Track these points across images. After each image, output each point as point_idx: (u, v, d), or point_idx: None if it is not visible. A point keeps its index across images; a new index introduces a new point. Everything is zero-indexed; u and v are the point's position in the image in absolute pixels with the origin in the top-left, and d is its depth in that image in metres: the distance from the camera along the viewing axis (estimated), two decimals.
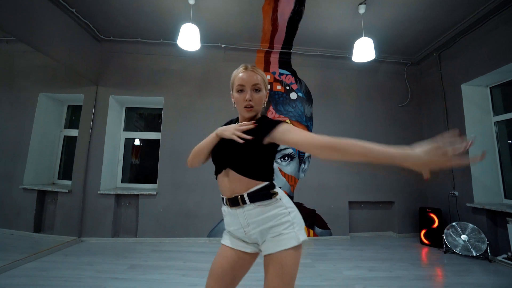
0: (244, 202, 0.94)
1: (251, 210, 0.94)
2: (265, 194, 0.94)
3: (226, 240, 1.03)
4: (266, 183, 0.97)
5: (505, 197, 3.02)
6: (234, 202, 0.96)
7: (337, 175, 3.69)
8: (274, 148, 0.99)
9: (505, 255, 2.68)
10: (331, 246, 3.23)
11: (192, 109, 3.61)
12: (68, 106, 4.00)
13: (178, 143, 3.52)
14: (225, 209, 1.02)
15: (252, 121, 1.00)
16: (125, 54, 3.59)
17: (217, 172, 1.05)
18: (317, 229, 3.56)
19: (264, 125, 0.96)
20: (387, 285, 2.12)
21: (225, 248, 1.00)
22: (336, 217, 3.62)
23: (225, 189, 1.00)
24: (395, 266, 2.57)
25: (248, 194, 0.94)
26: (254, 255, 1.01)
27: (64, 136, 3.92)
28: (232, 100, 1.06)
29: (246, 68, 1.01)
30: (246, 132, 0.95)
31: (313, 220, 3.57)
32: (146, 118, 4.24)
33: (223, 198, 1.02)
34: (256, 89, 0.99)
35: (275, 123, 0.93)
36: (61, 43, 2.99)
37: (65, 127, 3.94)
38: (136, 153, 4.14)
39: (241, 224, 0.97)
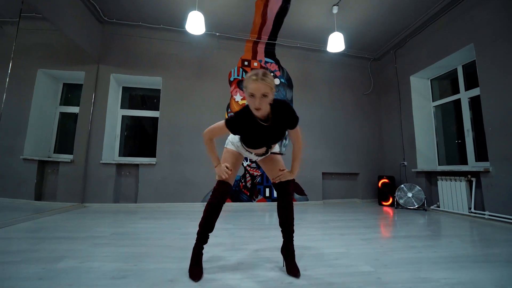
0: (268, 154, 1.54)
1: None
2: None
3: (231, 147, 1.52)
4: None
5: (439, 164, 3.90)
6: (263, 155, 1.54)
7: (313, 150, 4.36)
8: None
9: (435, 205, 3.53)
10: (308, 208, 3.88)
11: (189, 90, 4.02)
12: (64, 84, 4.18)
13: (175, 120, 3.92)
14: (248, 153, 1.52)
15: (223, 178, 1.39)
16: (126, 36, 3.90)
17: (254, 146, 1.45)
18: (296, 195, 4.20)
19: (290, 119, 1.30)
20: (352, 222, 2.80)
21: (229, 150, 1.51)
22: (311, 186, 4.29)
23: (259, 152, 1.49)
24: (357, 215, 3.27)
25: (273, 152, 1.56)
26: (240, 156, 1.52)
27: (60, 112, 4.10)
28: (246, 100, 1.25)
29: (256, 79, 1.15)
30: (275, 123, 1.30)
31: (292, 187, 4.19)
32: (140, 99, 4.55)
33: (251, 152, 1.50)
34: (264, 95, 1.16)
35: (296, 121, 1.32)
36: (70, 20, 3.24)
37: (60, 104, 4.12)
38: (132, 133, 4.45)
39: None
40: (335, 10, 3.36)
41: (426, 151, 3.92)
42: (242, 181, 4.02)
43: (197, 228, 1.44)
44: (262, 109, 1.19)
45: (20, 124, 3.53)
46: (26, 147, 3.54)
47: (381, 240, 2.09)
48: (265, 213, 3.35)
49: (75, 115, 3.95)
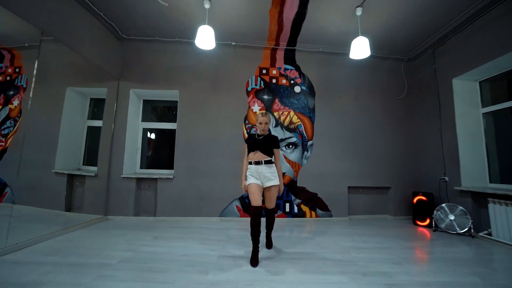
0: (261, 163, 2.36)
1: (263, 166, 2.37)
2: (270, 161, 2.39)
3: (252, 181, 2.32)
4: (271, 158, 2.42)
5: (490, 182, 3.31)
6: (258, 163, 2.36)
7: (337, 162, 4.02)
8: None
9: (485, 232, 2.99)
10: (331, 225, 3.57)
11: (205, 102, 3.96)
12: (91, 99, 4.40)
13: (192, 133, 3.88)
14: (252, 166, 2.38)
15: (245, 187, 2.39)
16: (144, 51, 3.95)
17: (251, 151, 2.43)
18: (319, 211, 3.91)
19: (275, 141, 2.44)
20: (377, 253, 2.46)
21: (253, 184, 2.30)
22: (336, 201, 3.96)
23: (254, 158, 2.38)
24: (387, 240, 2.90)
25: (265, 161, 2.37)
26: (261, 186, 2.35)
27: (88, 126, 4.32)
28: (256, 125, 2.50)
29: (263, 114, 2.40)
30: (266, 138, 2.42)
31: (314, 202, 3.92)
32: (161, 110, 4.62)
33: (251, 162, 2.40)
34: (266, 123, 2.40)
35: (278, 145, 2.46)
36: (89, 42, 3.36)
37: (88, 118, 4.34)
38: (153, 146, 4.53)
39: (257, 171, 2.36)
40: (359, 12, 2.99)
41: (472, 167, 3.36)
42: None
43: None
44: (265, 130, 2.41)
45: (51, 138, 3.77)
46: (57, 160, 3.77)
47: None
48: (283, 232, 3.12)
49: (101, 128, 4.13)
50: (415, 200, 3.75)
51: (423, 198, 3.66)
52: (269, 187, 2.34)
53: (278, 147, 2.44)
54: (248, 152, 2.43)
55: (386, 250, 2.55)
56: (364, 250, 2.53)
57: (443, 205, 3.36)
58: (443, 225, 3.24)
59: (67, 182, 3.84)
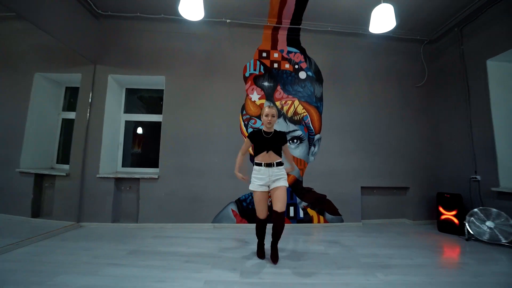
0: (273, 165, 2.11)
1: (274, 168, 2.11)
2: (281, 163, 2.14)
3: (257, 188, 2.10)
4: (281, 159, 2.17)
5: None
6: (270, 165, 2.10)
7: (348, 159, 3.48)
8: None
9: None
10: (343, 233, 3.04)
11: (196, 89, 3.40)
12: (66, 88, 3.84)
13: (180, 125, 3.33)
14: (262, 168, 2.10)
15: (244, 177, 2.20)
16: (124, 31, 3.39)
17: (261, 151, 2.13)
18: (328, 215, 3.37)
19: (284, 138, 2.20)
20: (411, 274, 1.92)
21: (258, 192, 2.09)
22: (347, 203, 3.43)
23: (265, 159, 2.11)
24: (415, 253, 2.37)
25: (276, 163, 2.12)
26: (267, 193, 2.12)
27: (63, 119, 3.76)
28: (261, 118, 2.17)
29: (269, 107, 2.12)
30: (275, 135, 2.16)
31: (323, 205, 3.38)
32: (147, 102, 4.05)
33: (261, 163, 2.11)
34: (273, 115, 2.10)
35: (286, 140, 2.23)
36: (60, 20, 2.81)
37: (63, 110, 3.78)
38: (139, 141, 3.96)
39: (269, 174, 2.09)
40: None
41: None
42: None
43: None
44: (271, 124, 2.14)
45: (16, 132, 3.21)
46: (23, 158, 3.22)
47: None
48: (287, 244, 2.57)
49: None
50: (439, 202, 3.22)
51: (450, 200, 3.12)
52: (277, 187, 2.06)
53: (286, 142, 2.23)
54: (256, 153, 2.15)
55: (421, 269, 2.01)
56: (393, 270, 1.98)
57: (476, 209, 2.83)
58: (483, 237, 2.70)
59: (34, 183, 3.28)
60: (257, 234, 2.22)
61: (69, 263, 2.00)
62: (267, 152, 2.10)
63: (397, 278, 1.84)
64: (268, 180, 2.08)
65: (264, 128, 2.18)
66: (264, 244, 2.23)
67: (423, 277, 1.85)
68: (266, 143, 2.11)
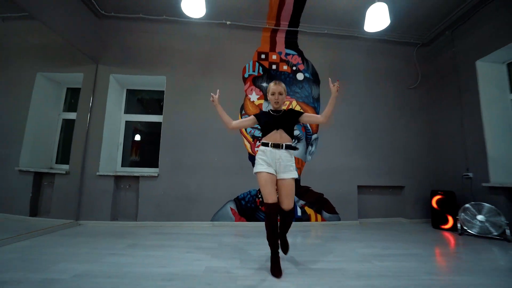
0: (282, 147, 1.80)
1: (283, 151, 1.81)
2: (291, 147, 1.84)
3: (263, 169, 1.77)
4: (292, 143, 1.86)
5: None
6: (277, 146, 1.79)
7: (345, 158, 3.55)
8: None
9: None
10: (340, 230, 3.08)
11: (195, 89, 3.48)
12: (67, 88, 3.88)
13: (180, 124, 3.38)
14: (268, 148, 1.80)
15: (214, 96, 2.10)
16: (126, 31, 3.48)
17: (270, 131, 1.83)
18: (325, 214, 3.42)
19: (297, 113, 1.90)
20: (405, 260, 1.97)
21: (264, 173, 1.75)
22: (344, 202, 3.48)
23: (275, 139, 1.81)
24: (410, 246, 2.42)
25: (286, 145, 1.81)
26: (274, 176, 1.79)
27: (63, 119, 3.79)
28: (268, 97, 1.92)
29: (275, 83, 1.86)
30: (287, 113, 1.88)
31: (320, 204, 3.42)
32: (147, 102, 4.11)
33: (268, 143, 1.81)
34: (280, 93, 1.85)
35: (299, 112, 1.90)
36: (63, 19, 2.88)
37: (64, 110, 3.82)
38: (136, 149, 3.98)
39: (275, 157, 1.78)
40: None
41: (503, 159, 2.92)
42: (260, 196, 3.34)
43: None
44: (279, 103, 1.86)
45: (16, 131, 3.22)
46: (22, 157, 3.23)
47: None
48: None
49: None
50: (434, 200, 3.29)
51: (444, 197, 3.20)
52: (285, 179, 1.75)
53: (301, 113, 1.88)
54: (265, 133, 1.85)
55: (415, 257, 2.06)
56: (388, 258, 2.03)
57: (468, 205, 2.90)
58: (473, 230, 2.76)
59: (33, 182, 3.28)
60: (269, 237, 1.74)
61: (69, 254, 2.01)
62: (277, 130, 1.80)
63: (392, 264, 1.89)
64: (274, 164, 1.77)
65: (271, 107, 1.92)
66: (279, 256, 1.74)
67: (417, 263, 1.91)
68: (276, 120, 1.82)
